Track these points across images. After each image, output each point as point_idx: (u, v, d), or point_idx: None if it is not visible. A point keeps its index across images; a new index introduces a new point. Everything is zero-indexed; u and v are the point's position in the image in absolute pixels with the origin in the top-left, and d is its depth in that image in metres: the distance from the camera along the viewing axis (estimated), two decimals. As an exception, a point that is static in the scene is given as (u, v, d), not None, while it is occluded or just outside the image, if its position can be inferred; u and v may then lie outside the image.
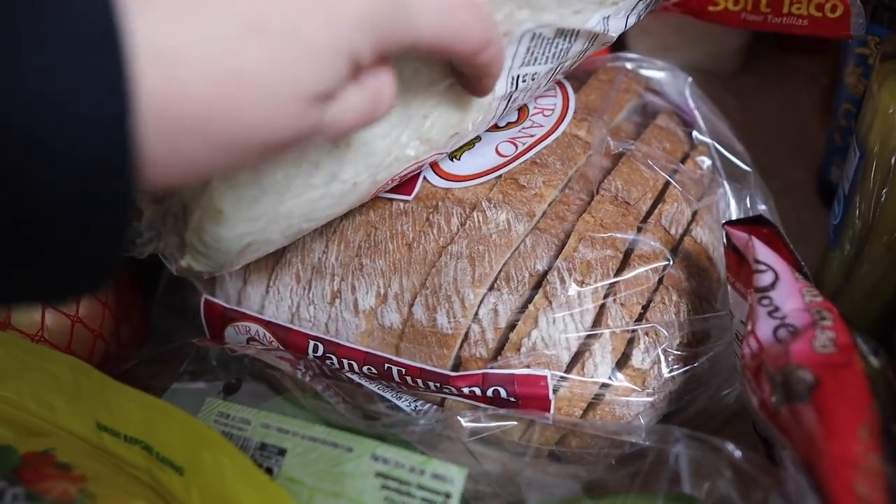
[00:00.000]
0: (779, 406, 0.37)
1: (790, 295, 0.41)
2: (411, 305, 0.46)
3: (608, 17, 0.43)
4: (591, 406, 0.45)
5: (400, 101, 0.39)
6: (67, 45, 0.23)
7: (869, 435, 0.35)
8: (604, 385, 0.45)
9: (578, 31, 0.43)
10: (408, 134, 0.41)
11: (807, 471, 0.35)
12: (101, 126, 0.23)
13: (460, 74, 0.39)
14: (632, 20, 0.46)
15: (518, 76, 0.43)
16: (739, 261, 0.44)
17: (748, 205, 0.53)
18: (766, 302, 0.41)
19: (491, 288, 0.45)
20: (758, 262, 0.42)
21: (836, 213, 0.52)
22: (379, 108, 0.33)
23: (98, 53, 0.23)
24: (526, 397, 0.44)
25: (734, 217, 0.53)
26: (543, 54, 0.43)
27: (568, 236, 0.46)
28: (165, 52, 0.25)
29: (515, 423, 0.44)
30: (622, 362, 0.45)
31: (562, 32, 0.42)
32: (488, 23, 0.35)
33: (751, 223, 0.44)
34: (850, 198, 0.50)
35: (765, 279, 0.42)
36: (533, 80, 0.44)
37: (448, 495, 0.37)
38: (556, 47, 0.43)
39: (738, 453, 0.38)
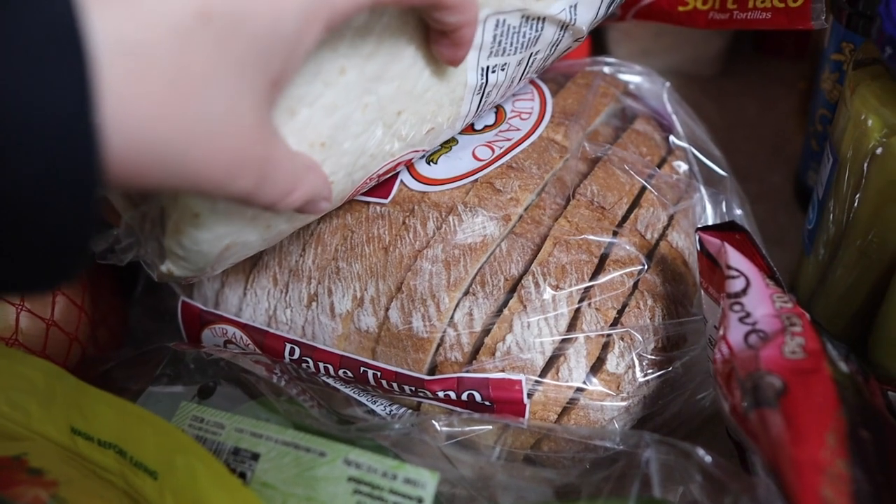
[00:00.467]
0: (748, 411, 0.38)
1: (761, 301, 0.41)
2: (387, 309, 0.46)
3: (575, 4, 0.43)
4: (565, 410, 0.46)
5: (372, 96, 0.39)
6: (30, 43, 0.23)
7: (835, 440, 0.35)
8: (578, 389, 0.45)
9: (544, 18, 0.42)
10: (382, 130, 0.41)
11: (774, 476, 0.35)
12: (67, 123, 0.23)
13: (436, 40, 0.39)
14: (602, 11, 0.46)
15: (487, 67, 0.43)
16: (712, 266, 0.44)
17: (724, 209, 0.53)
18: (737, 308, 0.41)
19: (466, 292, 0.45)
20: (730, 267, 0.42)
21: (810, 218, 0.53)
22: (288, 199, 0.34)
23: (62, 50, 0.23)
24: (501, 401, 0.45)
25: (711, 222, 0.54)
26: (512, 44, 0.43)
27: (543, 240, 0.46)
28: (124, 46, 0.25)
29: (490, 427, 0.44)
30: (597, 367, 0.46)
31: (527, 20, 0.42)
32: None
33: (724, 229, 0.45)
34: (824, 203, 0.50)
35: (736, 285, 0.42)
36: (503, 71, 0.44)
37: (420, 500, 0.38)
38: (524, 36, 0.43)
39: (707, 458, 0.38)
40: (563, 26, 0.44)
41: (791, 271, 0.58)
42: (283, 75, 0.30)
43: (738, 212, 0.54)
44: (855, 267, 0.49)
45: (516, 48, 0.43)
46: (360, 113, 0.39)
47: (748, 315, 0.41)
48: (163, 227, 0.38)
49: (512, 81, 0.46)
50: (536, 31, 0.43)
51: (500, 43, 0.42)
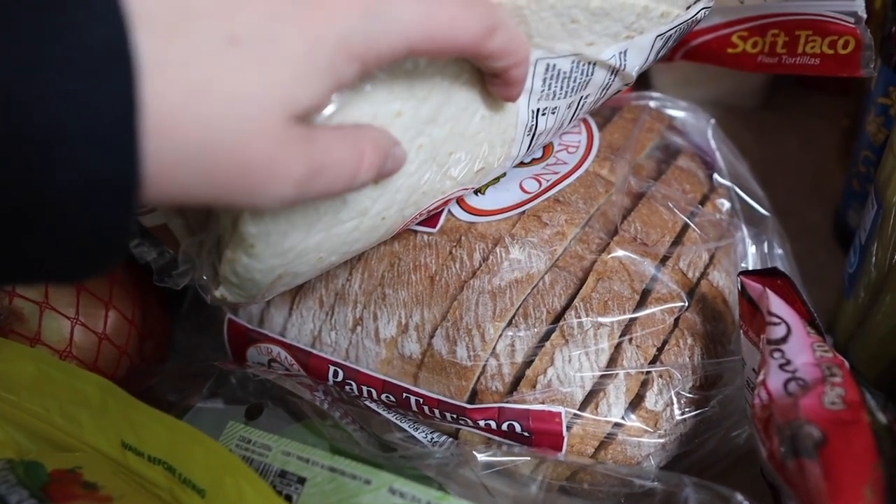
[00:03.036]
0: (786, 459, 0.38)
1: (801, 349, 0.42)
2: (431, 337, 0.47)
3: (625, 51, 0.44)
4: (602, 444, 0.46)
5: (426, 137, 0.40)
6: (85, 55, 0.25)
7: (873, 494, 0.36)
8: (616, 424, 0.46)
9: (595, 63, 0.43)
10: (434, 169, 0.42)
11: (812, 526, 0.36)
12: (113, 138, 0.26)
13: (489, 79, 0.40)
14: (651, 57, 0.47)
15: (538, 109, 0.44)
16: (753, 310, 0.45)
17: (766, 249, 0.54)
18: (777, 355, 0.42)
19: (509, 323, 0.46)
20: (771, 314, 0.43)
21: (851, 262, 0.53)
22: (361, 167, 0.34)
23: (112, 62, 0.26)
24: (540, 433, 0.46)
25: (751, 261, 0.54)
26: (562, 88, 0.43)
27: (586, 275, 0.47)
28: (165, 63, 0.27)
29: (528, 458, 0.45)
30: (635, 403, 0.46)
31: (578, 64, 0.43)
32: (483, 7, 0.35)
33: (766, 274, 0.45)
34: (867, 248, 0.50)
35: (777, 332, 0.42)
36: (553, 114, 0.45)
37: (461, 531, 0.39)
38: (574, 81, 0.43)
39: (745, 503, 0.39)
40: (614, 71, 0.44)
41: (829, 310, 0.58)
42: (316, 102, 0.32)
43: (779, 252, 0.55)
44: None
45: (566, 92, 0.44)
46: (413, 153, 0.40)
47: (788, 363, 0.42)
48: (219, 256, 0.40)
49: (562, 123, 0.46)
50: (587, 75, 0.44)
51: (550, 87, 0.43)
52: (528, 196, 0.49)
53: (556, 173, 0.50)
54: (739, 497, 0.39)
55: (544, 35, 0.40)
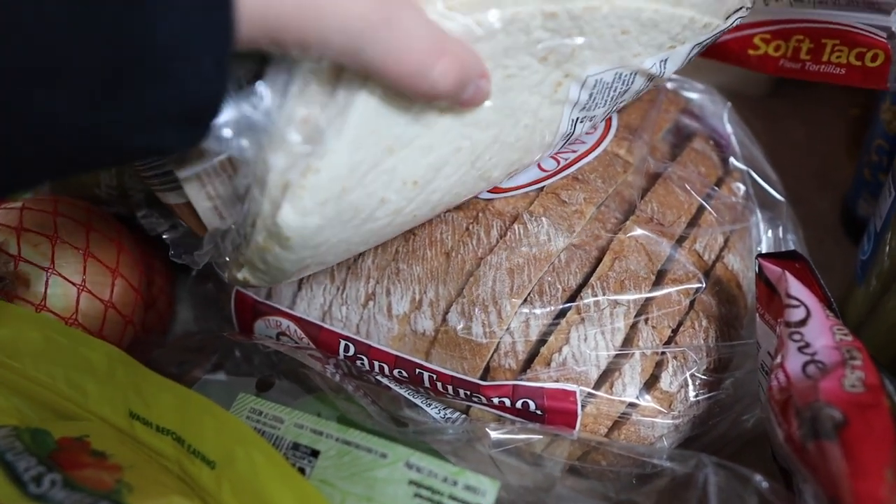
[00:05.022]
0: (806, 441, 0.38)
1: (821, 332, 0.42)
2: (446, 313, 0.46)
3: (665, 59, 0.44)
4: (616, 424, 0.46)
5: (467, 141, 0.39)
6: None
7: (893, 476, 0.36)
8: (631, 405, 0.46)
9: (636, 73, 0.43)
10: (472, 174, 0.42)
11: (833, 507, 0.36)
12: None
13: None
14: (684, 63, 0.47)
15: (577, 118, 0.44)
16: (770, 293, 0.45)
17: (780, 234, 0.54)
18: (796, 337, 0.42)
19: (525, 301, 0.46)
20: (790, 296, 0.43)
21: (864, 249, 0.53)
22: (434, 65, 0.33)
23: None
24: (554, 411, 0.45)
25: (765, 246, 0.54)
26: (603, 98, 0.43)
27: (602, 254, 0.47)
28: None
29: (541, 436, 0.45)
30: (650, 384, 0.46)
31: (619, 75, 0.43)
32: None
33: (784, 257, 0.45)
34: (882, 236, 0.50)
35: (796, 314, 0.42)
36: (591, 120, 0.45)
37: (479, 507, 0.38)
38: (615, 90, 0.44)
39: (765, 484, 0.39)
40: (651, 78, 0.44)
41: (837, 298, 0.58)
42: None
43: (792, 237, 0.55)
44: (908, 300, 0.50)
45: (606, 101, 0.44)
46: (453, 156, 0.39)
47: (807, 345, 0.41)
48: (247, 241, 0.39)
49: (595, 124, 0.46)
50: (627, 84, 0.44)
51: (593, 98, 0.43)
52: (546, 174, 0.49)
53: (574, 152, 0.50)
54: (759, 477, 0.39)
55: (596, 47, 0.40)
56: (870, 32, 0.49)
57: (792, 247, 0.54)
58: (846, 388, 0.39)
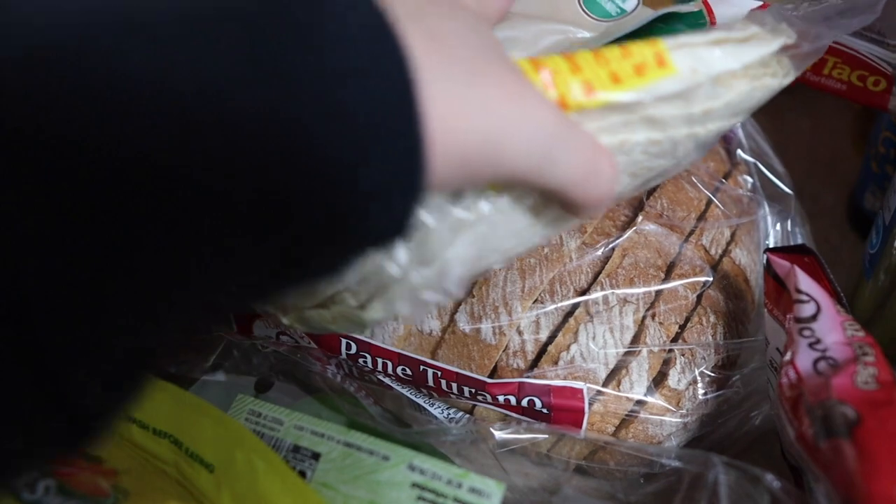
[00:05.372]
0: (818, 439, 0.37)
1: (832, 328, 0.41)
2: (453, 313, 0.45)
3: None
4: (623, 422, 0.45)
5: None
6: (354, 41, 0.24)
7: (910, 476, 0.35)
8: (639, 402, 0.45)
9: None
10: None
11: (847, 506, 0.35)
12: (407, 137, 0.24)
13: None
14: None
15: None
16: (779, 289, 0.44)
17: (788, 228, 0.53)
18: (807, 333, 0.41)
19: (536, 300, 0.45)
20: (800, 291, 0.42)
21: (872, 243, 0.52)
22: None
23: (381, 42, 0.24)
24: (560, 409, 0.44)
25: (773, 240, 0.53)
26: None
27: (612, 252, 0.46)
28: (432, 36, 0.26)
29: (547, 435, 0.44)
30: (658, 381, 0.45)
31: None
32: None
33: (793, 251, 0.44)
34: (890, 229, 0.49)
35: (807, 310, 0.41)
36: None
37: (484, 509, 0.37)
38: None
39: (776, 484, 0.38)
40: None
41: (844, 294, 0.57)
42: None
43: (800, 231, 0.54)
44: (918, 294, 0.49)
45: None
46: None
47: (818, 341, 0.41)
48: (317, 306, 0.37)
49: None
50: None
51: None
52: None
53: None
54: (770, 477, 0.38)
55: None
56: (874, 61, 0.49)
57: (800, 240, 0.53)
58: (859, 386, 0.38)
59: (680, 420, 0.45)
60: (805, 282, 0.42)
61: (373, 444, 0.39)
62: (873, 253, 0.52)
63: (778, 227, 0.53)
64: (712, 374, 0.46)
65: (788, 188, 0.53)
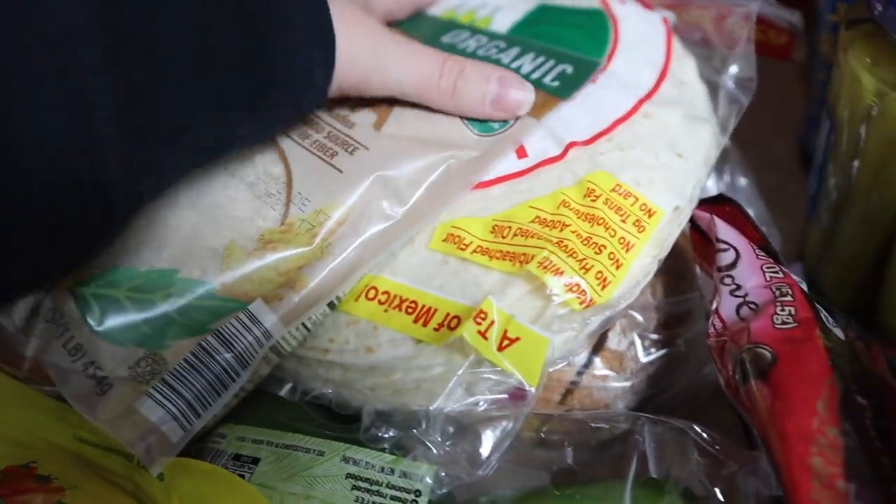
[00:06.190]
0: (739, 385, 0.37)
1: (752, 272, 0.41)
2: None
3: None
4: (569, 391, 0.45)
5: None
6: (301, 23, 0.39)
7: (826, 409, 0.34)
8: (581, 368, 0.45)
9: None
10: None
11: (765, 448, 0.35)
12: (324, 70, 0.40)
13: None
14: None
15: None
16: (704, 241, 0.44)
17: (729, 180, 0.52)
18: (728, 280, 0.41)
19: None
20: (719, 240, 0.42)
21: (812, 184, 0.52)
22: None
23: (320, 24, 0.40)
24: (502, 386, 0.45)
25: (714, 193, 0.53)
26: None
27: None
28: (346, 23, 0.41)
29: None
30: (598, 346, 0.45)
31: None
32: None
33: (713, 202, 0.44)
34: (824, 168, 0.49)
35: (726, 258, 0.41)
36: None
37: (418, 493, 0.38)
38: None
39: (704, 435, 0.38)
40: None
41: (800, 241, 0.57)
42: None
43: (743, 182, 0.54)
44: (858, 231, 0.48)
45: None
46: None
47: (739, 287, 0.41)
48: None
49: None
50: None
51: None
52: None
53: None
54: (697, 428, 0.38)
55: None
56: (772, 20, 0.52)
57: (741, 194, 0.53)
58: (776, 325, 0.38)
59: (625, 383, 0.45)
60: (724, 230, 0.42)
61: (309, 443, 0.40)
62: (813, 195, 0.52)
63: (718, 180, 0.53)
64: (655, 335, 0.46)
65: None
